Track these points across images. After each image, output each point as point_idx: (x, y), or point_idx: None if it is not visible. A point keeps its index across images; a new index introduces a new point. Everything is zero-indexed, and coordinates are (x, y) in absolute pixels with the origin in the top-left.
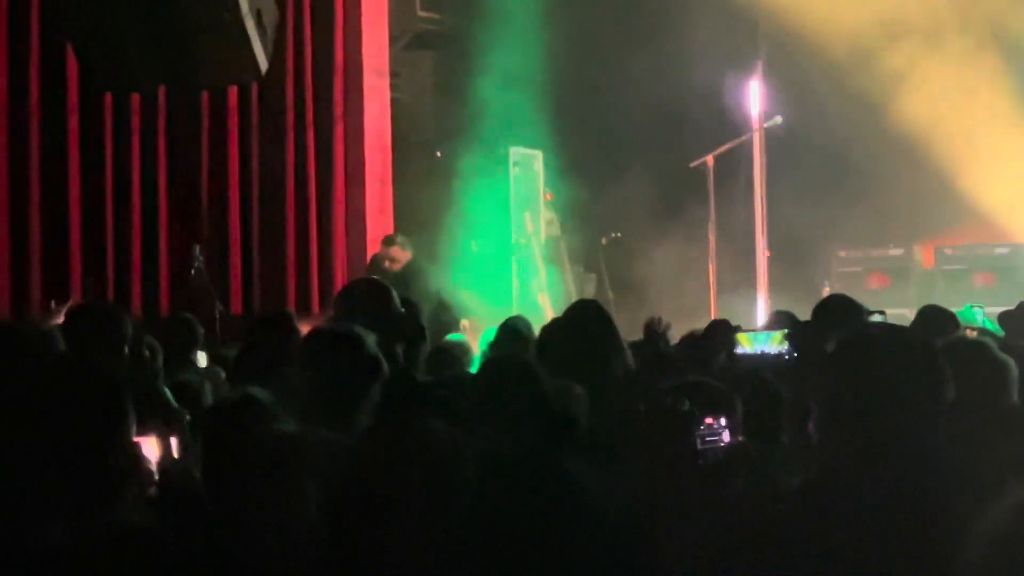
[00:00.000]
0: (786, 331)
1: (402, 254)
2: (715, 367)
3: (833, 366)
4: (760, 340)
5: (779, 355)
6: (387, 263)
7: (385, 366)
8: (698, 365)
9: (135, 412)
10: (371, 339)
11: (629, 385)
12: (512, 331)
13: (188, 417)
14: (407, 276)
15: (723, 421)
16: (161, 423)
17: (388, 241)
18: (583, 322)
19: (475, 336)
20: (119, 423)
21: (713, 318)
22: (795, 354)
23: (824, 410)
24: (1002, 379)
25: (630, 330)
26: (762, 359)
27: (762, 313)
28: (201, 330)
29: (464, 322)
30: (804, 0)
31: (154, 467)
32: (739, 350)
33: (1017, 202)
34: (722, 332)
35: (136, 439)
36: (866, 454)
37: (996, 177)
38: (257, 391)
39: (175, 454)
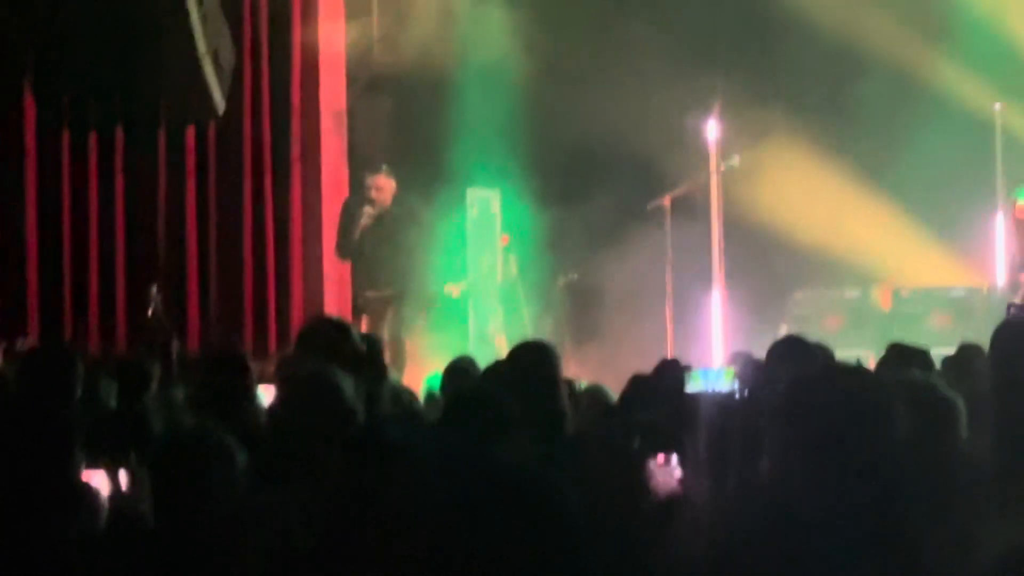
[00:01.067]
0: (735, 369)
1: (387, 182)
2: (665, 406)
3: (787, 403)
4: (710, 378)
5: (730, 393)
6: (373, 192)
7: (359, 417)
8: (647, 405)
9: (84, 448)
10: (350, 387)
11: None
12: (459, 372)
13: (136, 453)
14: (399, 215)
15: (673, 459)
16: (110, 458)
17: (373, 169)
18: (526, 363)
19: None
20: (66, 459)
21: (665, 358)
22: (745, 392)
23: (777, 448)
24: (949, 418)
25: (589, 371)
26: (713, 397)
27: (719, 353)
28: (156, 370)
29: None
30: (765, 40)
31: (104, 501)
32: (690, 388)
33: (972, 245)
34: (672, 371)
35: (86, 472)
36: (818, 491)
37: (954, 219)
38: (210, 426)
39: (123, 488)
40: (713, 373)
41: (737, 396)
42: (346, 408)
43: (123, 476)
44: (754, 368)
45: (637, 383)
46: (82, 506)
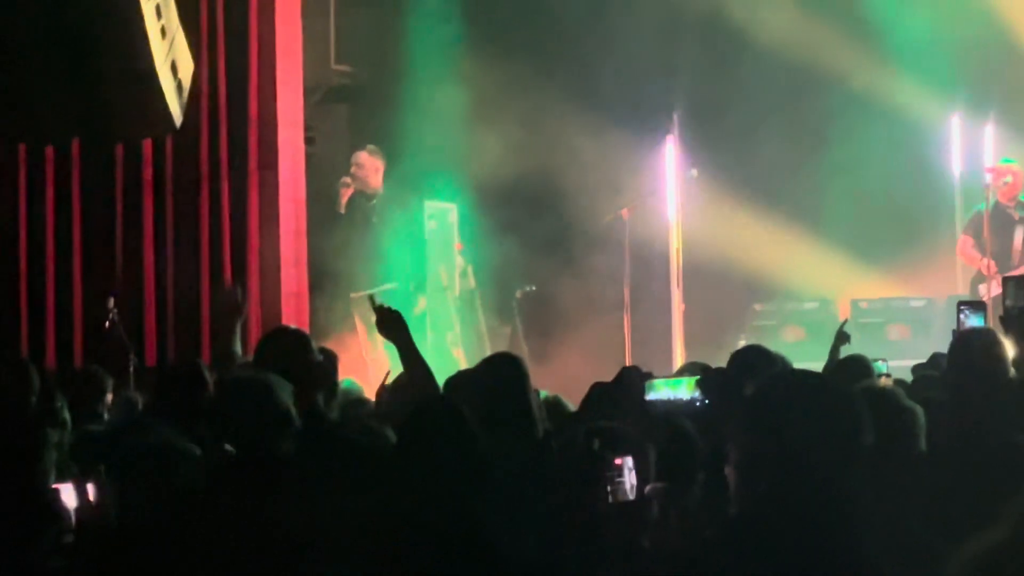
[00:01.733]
0: (698, 377)
1: (370, 160)
2: (626, 413)
3: (752, 410)
4: (672, 386)
5: (691, 401)
6: (352, 168)
7: (295, 418)
8: (609, 412)
9: (52, 461)
10: (285, 389)
11: (543, 433)
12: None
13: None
14: (379, 206)
15: (629, 461)
16: (77, 471)
17: (359, 148)
18: (495, 373)
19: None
20: (34, 471)
21: (626, 365)
22: (707, 400)
23: (742, 454)
24: (910, 426)
25: (547, 383)
26: (674, 404)
27: (678, 366)
28: (109, 381)
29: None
30: (723, 54)
31: (71, 513)
32: (650, 396)
33: (931, 255)
34: (633, 379)
35: (55, 486)
36: (783, 498)
37: (909, 229)
38: (172, 437)
39: (92, 500)
40: (675, 382)
41: (698, 404)
42: (276, 407)
43: (91, 489)
44: (716, 376)
45: (598, 391)
46: (50, 519)
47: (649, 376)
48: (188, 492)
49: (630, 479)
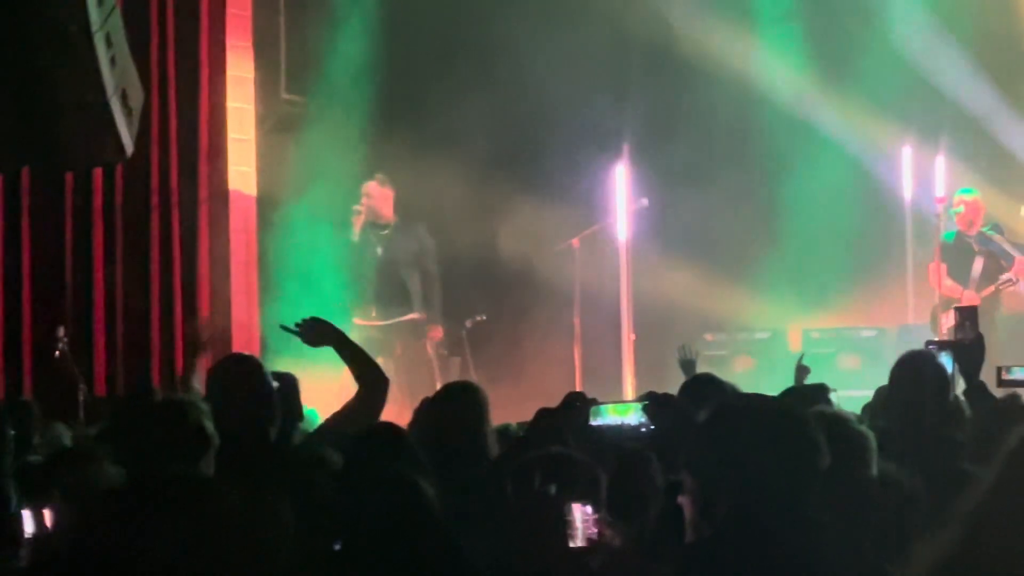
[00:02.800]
0: (644, 403)
1: (381, 192)
2: (570, 439)
3: (707, 436)
4: (618, 412)
5: (637, 426)
6: (363, 200)
7: (213, 439)
8: (553, 437)
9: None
10: (200, 411)
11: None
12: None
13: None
14: (389, 236)
15: (589, 509)
16: (34, 498)
17: (369, 178)
18: (454, 403)
19: None
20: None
21: (572, 391)
22: (652, 426)
23: (697, 481)
24: (861, 451)
25: (496, 413)
26: (619, 430)
27: (629, 396)
28: (36, 408)
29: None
30: (674, 82)
31: (27, 539)
32: (596, 422)
33: (882, 285)
34: (577, 404)
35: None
36: (741, 524)
37: (860, 260)
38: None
39: (48, 526)
40: (620, 407)
41: (644, 430)
42: (191, 428)
43: (47, 515)
44: (663, 402)
45: (543, 416)
46: (13, 545)
47: (594, 402)
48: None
49: (585, 528)
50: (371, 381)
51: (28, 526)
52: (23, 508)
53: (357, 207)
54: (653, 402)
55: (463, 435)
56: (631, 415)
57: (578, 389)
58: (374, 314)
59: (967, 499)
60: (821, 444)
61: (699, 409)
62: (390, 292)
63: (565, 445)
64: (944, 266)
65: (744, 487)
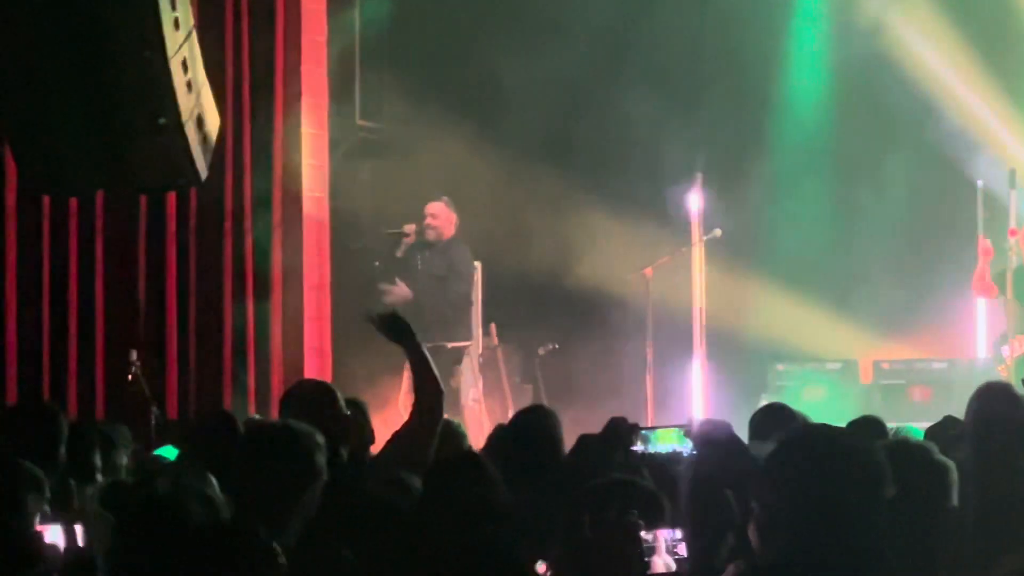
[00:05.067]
0: (684, 428)
1: (447, 214)
2: (619, 465)
3: (773, 465)
4: (661, 438)
5: (677, 452)
6: (427, 219)
7: (323, 470)
8: (596, 463)
9: (39, 504)
10: (312, 440)
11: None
12: (450, 436)
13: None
14: (449, 252)
15: (677, 533)
16: (68, 513)
17: (435, 198)
18: (529, 428)
19: None
20: (16, 513)
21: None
22: (695, 452)
23: (763, 509)
24: (942, 482)
25: (566, 442)
26: (662, 456)
27: None
28: (126, 435)
29: None
30: (748, 114)
31: (58, 554)
32: (639, 448)
33: (953, 318)
34: (621, 430)
35: (40, 528)
36: (806, 552)
37: (935, 291)
38: (182, 483)
39: (79, 543)
40: (663, 432)
41: (686, 455)
42: (302, 457)
43: (79, 531)
44: (711, 429)
45: (585, 442)
46: (35, 559)
47: (636, 427)
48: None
49: (665, 557)
50: (430, 392)
51: (59, 540)
52: (47, 523)
53: (407, 227)
54: (693, 428)
55: (539, 456)
56: (670, 442)
57: (650, 419)
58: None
59: None
60: (885, 474)
61: (768, 438)
62: (414, 311)
63: (610, 470)
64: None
65: (805, 516)
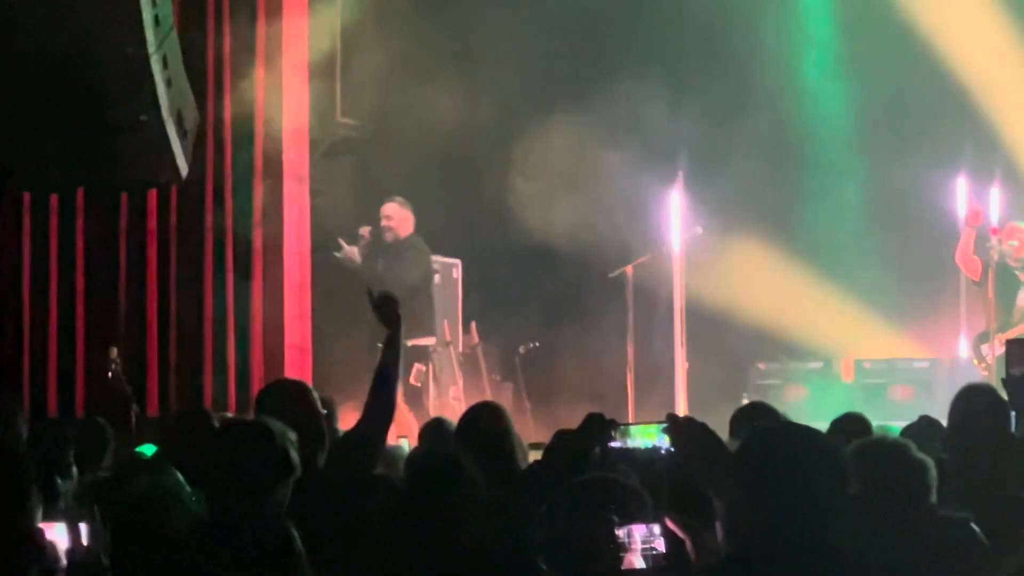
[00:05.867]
0: (663, 425)
1: (402, 213)
2: (597, 462)
3: (736, 458)
4: (639, 434)
5: (655, 449)
6: (383, 222)
7: (295, 465)
8: (573, 459)
9: (41, 500)
10: (284, 435)
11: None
12: (434, 433)
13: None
14: (407, 252)
15: (656, 528)
16: (71, 511)
17: (387, 199)
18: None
19: None
20: (20, 510)
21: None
22: (672, 448)
23: (728, 504)
24: (921, 479)
25: (547, 439)
26: (640, 452)
27: None
28: (111, 433)
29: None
30: (724, 112)
31: (62, 553)
32: (616, 444)
33: (935, 317)
34: (597, 426)
35: (43, 525)
36: (759, 546)
37: (913, 291)
38: (167, 480)
39: (84, 541)
40: (641, 428)
41: (663, 452)
42: (273, 451)
43: (83, 529)
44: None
45: (562, 437)
46: (37, 557)
47: (614, 423)
48: (180, 540)
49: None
50: (384, 391)
51: (63, 540)
52: (50, 521)
53: (364, 229)
54: (672, 424)
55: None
56: (651, 437)
57: (631, 416)
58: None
59: None
60: (846, 471)
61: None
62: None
63: (586, 466)
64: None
65: (766, 511)
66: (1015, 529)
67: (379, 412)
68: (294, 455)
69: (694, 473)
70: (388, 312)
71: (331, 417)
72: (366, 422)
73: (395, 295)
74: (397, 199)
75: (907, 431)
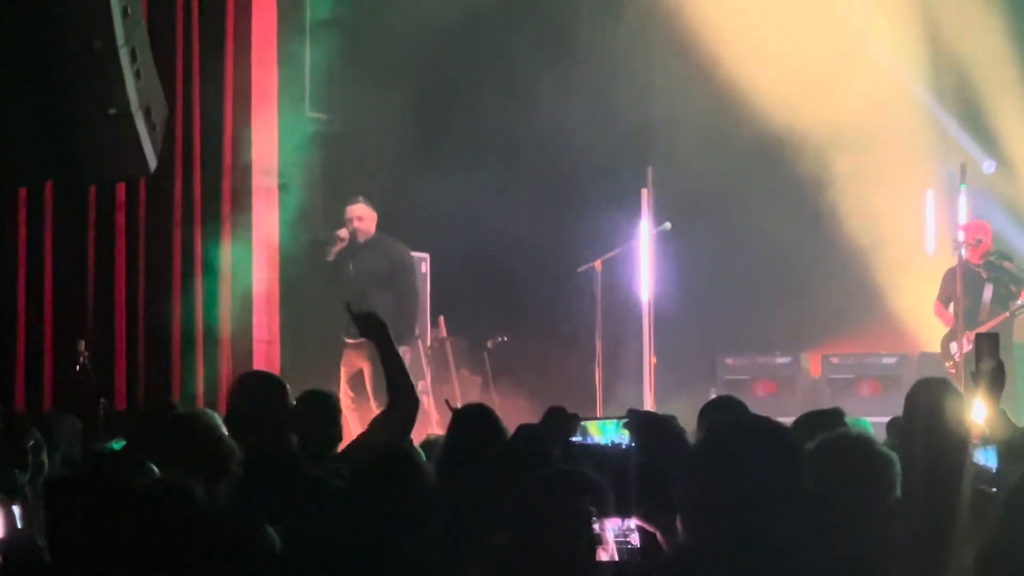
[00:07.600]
0: (625, 420)
1: (369, 212)
2: (559, 457)
3: (696, 455)
4: (602, 429)
5: (617, 445)
6: (355, 223)
7: (235, 451)
8: (535, 454)
9: None
10: (217, 423)
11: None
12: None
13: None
14: (383, 249)
15: (631, 524)
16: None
17: (352, 200)
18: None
19: None
20: None
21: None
22: (634, 444)
23: (686, 499)
24: (885, 474)
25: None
26: (602, 448)
27: None
28: (77, 425)
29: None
30: (696, 106)
31: None
32: (579, 439)
33: (905, 313)
34: (559, 420)
35: None
36: (720, 542)
37: (887, 287)
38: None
39: (18, 524)
40: (603, 424)
41: (625, 447)
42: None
43: (16, 511)
44: (649, 421)
45: (524, 432)
46: None
47: (576, 417)
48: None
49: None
50: (403, 389)
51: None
52: None
53: (340, 231)
54: (634, 419)
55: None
56: (613, 432)
57: (599, 410)
58: (350, 331)
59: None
60: (800, 466)
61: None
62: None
63: (549, 460)
64: (941, 304)
65: (717, 503)
66: (973, 522)
67: (399, 400)
68: (228, 440)
69: (655, 467)
70: (370, 325)
71: (333, 411)
72: (389, 410)
73: (372, 309)
74: (360, 199)
75: (893, 425)
